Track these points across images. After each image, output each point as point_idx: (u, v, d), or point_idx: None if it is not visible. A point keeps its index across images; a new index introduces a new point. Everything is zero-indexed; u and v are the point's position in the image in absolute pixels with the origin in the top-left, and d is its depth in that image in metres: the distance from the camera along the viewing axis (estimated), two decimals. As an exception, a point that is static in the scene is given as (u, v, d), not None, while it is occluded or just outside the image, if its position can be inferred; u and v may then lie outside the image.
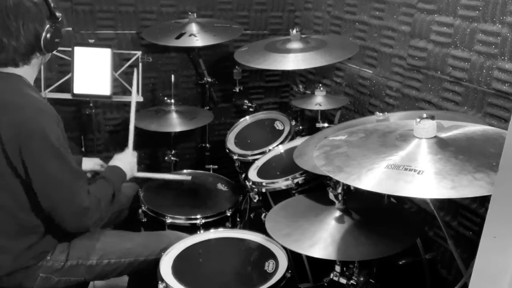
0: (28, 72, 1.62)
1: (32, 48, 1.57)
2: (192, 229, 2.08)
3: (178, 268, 1.70)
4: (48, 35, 1.57)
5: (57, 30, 1.60)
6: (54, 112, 1.56)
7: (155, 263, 1.75)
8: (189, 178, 2.34)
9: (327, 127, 2.32)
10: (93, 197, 1.60)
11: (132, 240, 1.86)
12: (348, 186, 1.63)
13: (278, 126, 2.51)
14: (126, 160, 1.91)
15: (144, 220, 2.21)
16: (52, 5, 1.57)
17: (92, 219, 1.60)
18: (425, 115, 1.32)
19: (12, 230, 1.61)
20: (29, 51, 1.57)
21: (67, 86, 2.48)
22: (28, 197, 1.57)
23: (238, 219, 2.29)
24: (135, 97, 2.24)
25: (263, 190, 2.08)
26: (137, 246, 1.84)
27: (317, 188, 1.97)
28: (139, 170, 2.02)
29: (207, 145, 3.08)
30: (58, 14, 1.60)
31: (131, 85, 2.53)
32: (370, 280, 1.68)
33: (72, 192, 1.55)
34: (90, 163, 2.03)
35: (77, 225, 1.62)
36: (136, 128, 2.57)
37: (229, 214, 2.19)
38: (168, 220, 2.12)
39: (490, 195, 0.87)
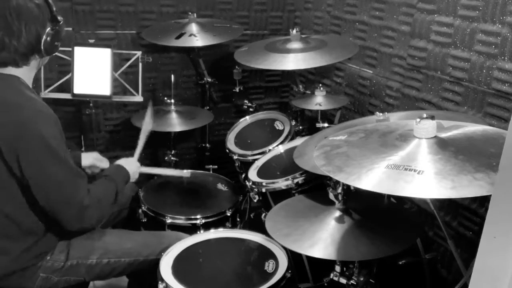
0: (26, 73, 1.62)
1: (32, 49, 1.58)
2: (192, 229, 2.08)
3: (178, 268, 1.70)
4: (49, 38, 1.58)
5: (57, 33, 1.61)
6: (52, 113, 1.56)
7: (155, 263, 1.75)
8: (189, 174, 2.33)
9: (327, 127, 2.32)
10: (93, 196, 1.60)
11: (132, 240, 1.86)
12: (348, 186, 1.63)
13: (278, 126, 2.51)
14: (131, 164, 1.92)
15: (144, 220, 2.21)
16: (54, 8, 1.59)
17: (93, 218, 1.62)
18: (425, 115, 1.32)
19: (10, 231, 1.60)
20: (29, 52, 1.58)
21: (67, 86, 2.48)
22: (25, 198, 1.57)
23: (238, 219, 2.29)
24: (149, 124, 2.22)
25: (263, 190, 2.08)
26: (137, 246, 1.84)
27: (317, 188, 1.97)
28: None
29: (207, 145, 3.08)
30: (59, 18, 1.62)
31: (130, 85, 2.53)
32: (370, 280, 1.67)
33: (71, 191, 1.55)
34: (89, 158, 2.01)
35: (78, 224, 1.62)
36: (136, 128, 2.57)
37: (229, 214, 2.19)
38: (168, 220, 2.12)
39: (490, 195, 0.87)
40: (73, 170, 1.58)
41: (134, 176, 1.93)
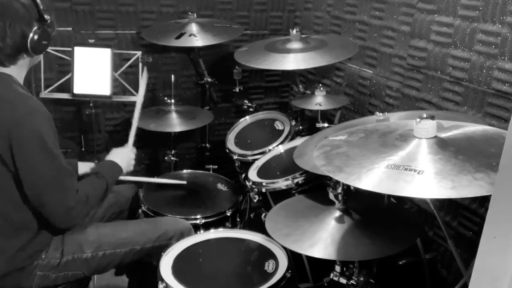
0: (15, 72, 1.62)
1: (18, 49, 1.56)
2: (192, 229, 2.08)
3: (178, 268, 1.70)
4: (35, 37, 1.56)
5: (45, 32, 1.59)
6: (46, 110, 1.56)
7: (152, 252, 1.74)
8: (184, 182, 2.35)
9: (327, 127, 2.32)
10: (81, 194, 1.62)
11: (127, 230, 1.86)
12: (348, 186, 1.63)
13: (278, 126, 2.51)
14: (124, 155, 1.93)
15: (144, 220, 2.20)
16: (41, 7, 1.57)
17: (79, 217, 1.64)
18: (425, 115, 1.32)
19: (4, 229, 1.61)
20: (15, 51, 1.56)
21: (67, 86, 2.48)
22: (20, 194, 1.57)
23: (238, 219, 2.28)
24: (142, 95, 2.25)
25: (263, 190, 2.08)
26: (133, 235, 1.83)
27: (317, 188, 1.97)
28: (138, 171, 2.02)
29: (207, 145, 3.08)
30: (46, 16, 1.59)
31: (130, 85, 2.53)
32: (370, 280, 1.67)
33: (60, 190, 1.57)
34: (85, 168, 2.02)
35: (63, 223, 1.65)
36: (137, 128, 2.57)
37: (229, 214, 2.18)
38: (168, 220, 2.11)
39: (490, 195, 0.87)
40: (64, 169, 1.58)
41: (129, 167, 1.93)
